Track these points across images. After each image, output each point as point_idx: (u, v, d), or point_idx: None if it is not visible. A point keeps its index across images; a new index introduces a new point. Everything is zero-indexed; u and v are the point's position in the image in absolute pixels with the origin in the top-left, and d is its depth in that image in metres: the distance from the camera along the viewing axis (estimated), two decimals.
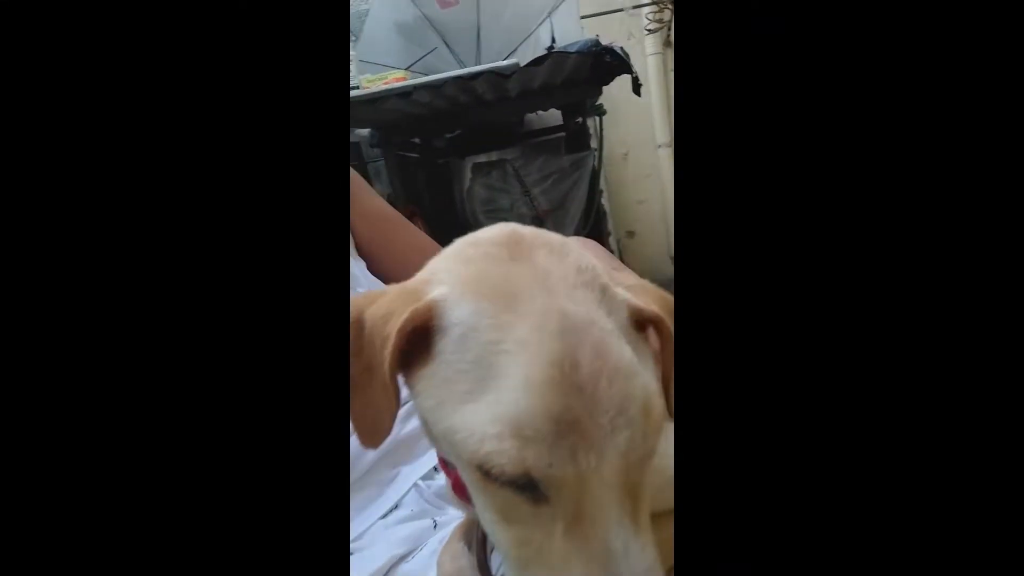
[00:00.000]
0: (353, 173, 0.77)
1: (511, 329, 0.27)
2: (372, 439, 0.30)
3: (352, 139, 1.70)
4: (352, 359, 0.30)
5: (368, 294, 0.33)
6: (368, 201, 0.76)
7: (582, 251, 0.32)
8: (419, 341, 0.29)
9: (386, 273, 0.72)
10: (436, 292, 0.30)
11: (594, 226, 1.71)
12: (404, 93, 1.31)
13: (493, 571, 0.38)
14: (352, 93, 1.38)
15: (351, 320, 0.31)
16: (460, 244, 0.34)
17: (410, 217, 1.54)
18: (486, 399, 0.26)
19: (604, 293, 0.30)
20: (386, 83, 1.40)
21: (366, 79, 1.47)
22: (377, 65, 1.59)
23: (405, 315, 0.29)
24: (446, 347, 0.28)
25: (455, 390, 0.28)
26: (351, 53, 1.65)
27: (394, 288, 0.32)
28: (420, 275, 0.33)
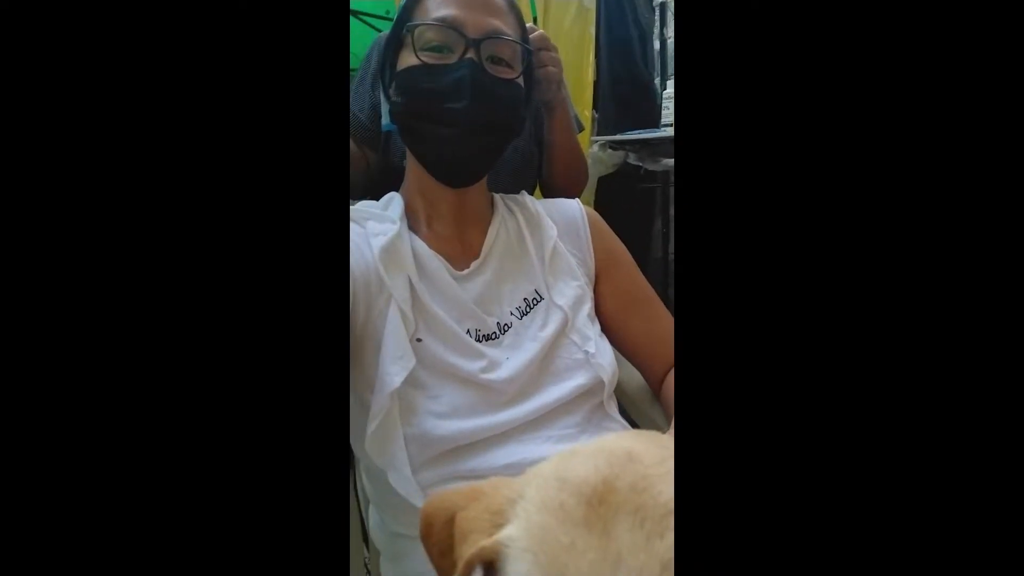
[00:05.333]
0: (621, 247, 0.76)
1: None
2: None
3: (659, 167, 1.70)
4: (442, 554, 0.31)
5: (467, 493, 0.33)
6: (627, 277, 0.74)
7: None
8: (489, 567, 0.29)
9: (617, 345, 0.72)
10: (505, 532, 0.29)
11: None
12: None
13: None
14: (664, 132, 1.45)
15: (446, 515, 0.32)
16: (553, 470, 0.30)
17: None
18: None
19: None
20: None
21: None
22: None
23: (473, 550, 0.29)
24: None
25: None
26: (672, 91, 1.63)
27: (486, 496, 0.31)
28: (514, 487, 0.31)
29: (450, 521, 0.31)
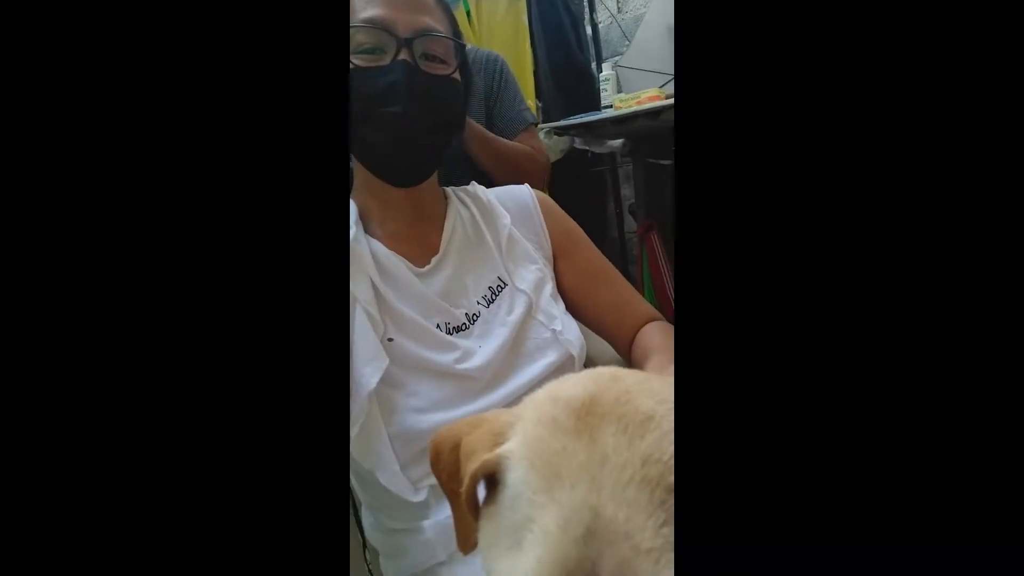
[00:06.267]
0: (575, 225, 0.78)
1: (543, 511, 0.27)
2: (463, 545, 0.34)
3: (605, 149, 1.73)
4: (450, 477, 0.34)
5: (471, 421, 0.35)
6: (584, 253, 0.77)
7: (668, 432, 0.28)
8: (492, 480, 0.32)
9: (582, 319, 0.75)
10: (505, 447, 0.31)
11: None
12: (653, 113, 1.32)
13: None
14: (604, 114, 1.45)
15: (452, 442, 0.34)
16: (546, 393, 0.33)
17: (646, 231, 1.38)
18: (519, 561, 0.28)
19: (668, 496, 0.26)
20: (638, 102, 1.40)
21: (618, 99, 1.48)
22: (642, 72, 1.55)
23: (476, 464, 0.31)
24: (502, 501, 0.30)
25: (500, 542, 0.30)
26: (609, 72, 1.68)
27: (488, 422, 0.34)
28: (512, 412, 0.34)
29: (456, 447, 0.33)
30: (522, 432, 0.31)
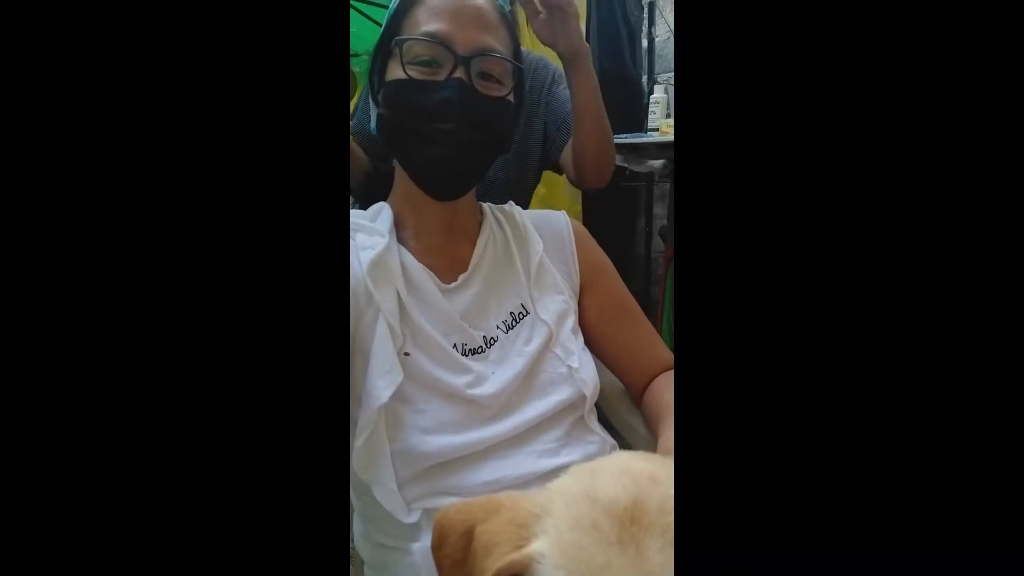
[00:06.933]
0: (606, 260, 0.77)
1: None
2: None
3: (645, 168, 1.73)
4: (455, 566, 0.31)
5: (485, 505, 0.32)
6: (610, 289, 0.75)
7: None
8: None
9: (599, 355, 0.73)
10: (535, 548, 0.29)
11: None
12: None
13: None
14: (650, 137, 1.48)
15: (463, 527, 0.31)
16: (580, 488, 0.31)
17: (669, 259, 1.33)
18: None
19: None
20: None
21: (665, 123, 1.48)
22: None
23: (501, 564, 0.29)
24: None
25: None
26: (660, 94, 1.69)
27: (506, 509, 0.31)
28: (535, 502, 0.31)
29: (467, 533, 0.31)
30: (555, 532, 0.29)
